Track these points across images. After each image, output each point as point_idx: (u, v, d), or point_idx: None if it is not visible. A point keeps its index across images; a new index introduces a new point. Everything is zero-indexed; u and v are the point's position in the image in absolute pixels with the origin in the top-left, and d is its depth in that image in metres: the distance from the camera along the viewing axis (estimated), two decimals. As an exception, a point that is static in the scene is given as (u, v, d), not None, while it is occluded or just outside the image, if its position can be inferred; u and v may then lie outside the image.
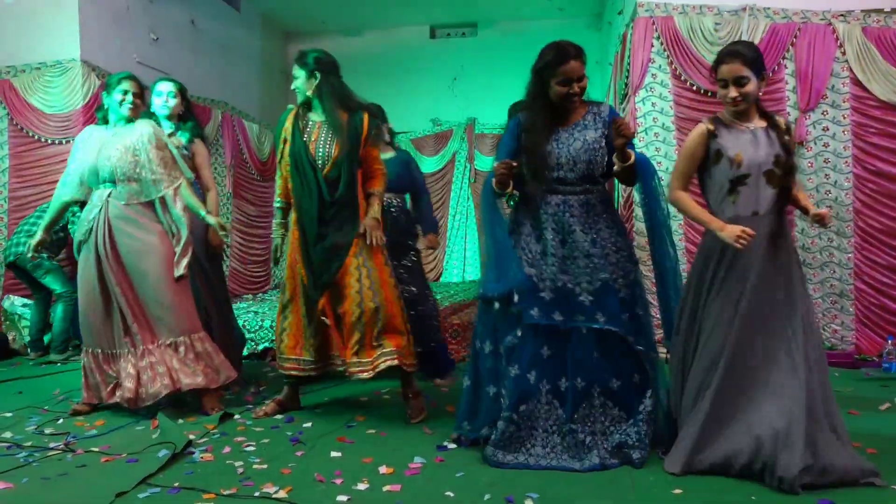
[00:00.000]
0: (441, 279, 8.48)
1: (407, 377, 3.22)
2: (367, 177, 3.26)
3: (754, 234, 2.36)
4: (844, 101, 4.82)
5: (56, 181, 5.26)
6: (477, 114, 8.70)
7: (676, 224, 4.88)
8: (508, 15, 8.59)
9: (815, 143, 4.86)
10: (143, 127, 3.35)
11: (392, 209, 3.88)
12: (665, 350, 2.99)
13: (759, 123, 2.52)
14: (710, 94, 4.83)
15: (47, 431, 3.06)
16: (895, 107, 4.74)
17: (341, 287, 3.11)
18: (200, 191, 3.79)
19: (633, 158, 2.65)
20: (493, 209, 2.78)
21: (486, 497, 2.25)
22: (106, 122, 3.43)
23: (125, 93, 3.33)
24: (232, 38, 7.82)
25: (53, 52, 5.56)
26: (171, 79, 3.89)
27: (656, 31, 4.93)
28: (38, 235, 3.49)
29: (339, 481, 2.40)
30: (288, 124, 3.25)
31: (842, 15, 4.82)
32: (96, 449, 2.79)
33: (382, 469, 2.51)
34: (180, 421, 3.18)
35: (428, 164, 8.54)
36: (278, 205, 3.37)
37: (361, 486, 2.35)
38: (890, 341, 4.48)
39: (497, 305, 2.71)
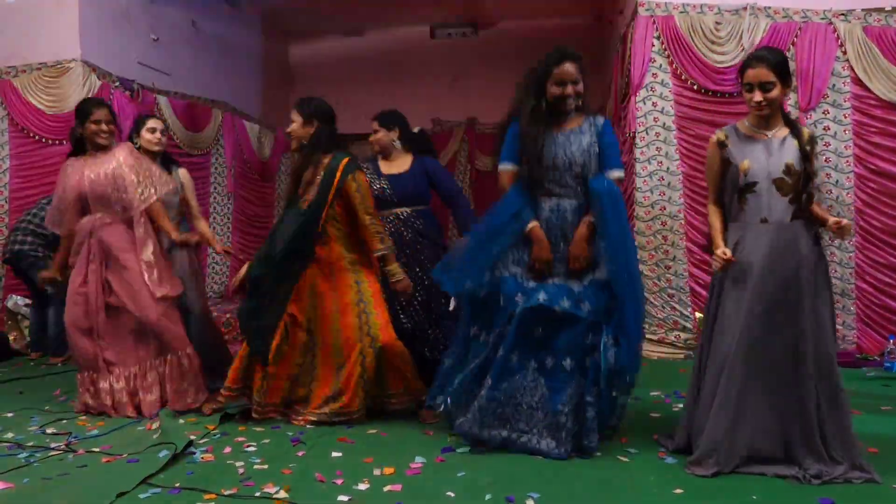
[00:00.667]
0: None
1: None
2: (361, 235, 3.19)
3: (731, 259, 2.43)
4: (845, 101, 4.82)
5: (56, 181, 5.33)
6: (477, 113, 8.69)
7: (677, 224, 4.89)
8: (509, 14, 8.58)
9: (817, 143, 4.85)
10: (120, 150, 3.41)
11: (413, 221, 3.64)
12: None
13: (780, 132, 2.53)
14: (710, 93, 4.83)
15: (49, 431, 3.07)
16: (896, 106, 4.74)
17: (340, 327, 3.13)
18: (189, 223, 3.90)
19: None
20: (508, 213, 2.81)
21: (487, 497, 2.25)
22: (81, 150, 3.46)
23: (98, 122, 3.37)
24: (232, 39, 7.82)
25: (54, 53, 5.56)
26: (155, 115, 3.95)
27: (657, 30, 4.92)
28: (52, 272, 3.56)
29: (339, 481, 2.40)
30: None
31: (842, 14, 4.82)
32: (97, 449, 2.79)
33: (383, 469, 2.51)
34: (181, 421, 3.18)
35: (428, 164, 8.53)
36: None
37: (362, 487, 2.35)
38: (891, 340, 4.48)
39: (453, 303, 2.92)
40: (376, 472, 2.49)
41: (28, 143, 5.62)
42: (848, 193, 4.82)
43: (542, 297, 2.69)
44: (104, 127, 3.37)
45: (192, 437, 2.87)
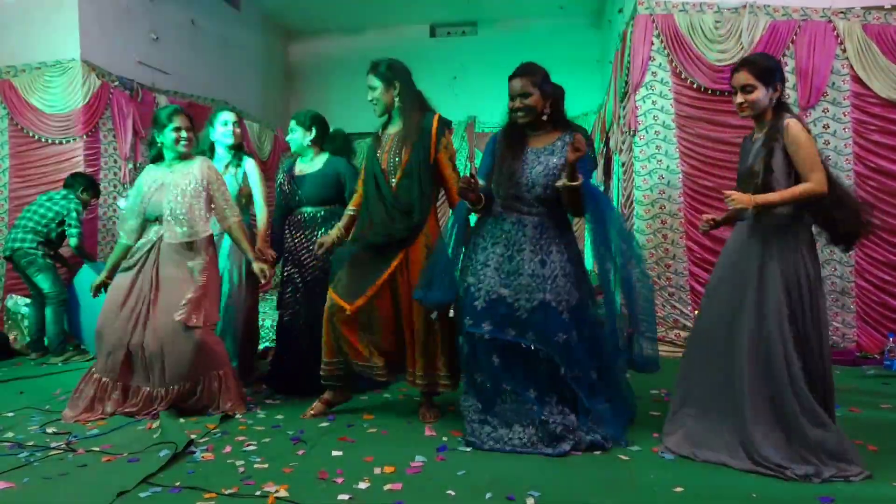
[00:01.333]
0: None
1: (437, 391, 3.21)
2: (446, 189, 3.21)
3: (707, 218, 2.71)
4: (845, 99, 4.82)
5: (57, 181, 5.35)
6: (477, 113, 8.69)
7: (677, 223, 4.89)
8: (509, 13, 8.58)
9: (816, 141, 4.85)
10: (199, 167, 3.37)
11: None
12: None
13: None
14: (710, 91, 4.83)
15: (49, 431, 3.07)
16: (896, 104, 4.74)
17: (390, 305, 3.14)
18: (250, 213, 4.00)
19: (580, 180, 2.67)
20: (456, 225, 2.96)
21: (488, 496, 2.25)
22: (160, 157, 3.42)
23: (178, 129, 3.32)
24: (232, 38, 7.82)
25: (54, 52, 5.56)
26: (230, 108, 3.98)
27: (656, 29, 4.92)
28: (102, 278, 3.44)
29: (340, 480, 2.41)
30: (371, 142, 3.28)
31: (842, 12, 4.81)
32: (97, 448, 2.79)
33: (384, 468, 2.52)
34: (181, 420, 3.19)
35: (428, 163, 8.54)
36: (349, 212, 3.36)
37: (363, 485, 2.35)
38: (891, 338, 4.47)
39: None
40: (377, 470, 2.50)
41: (28, 143, 5.62)
42: (848, 192, 4.82)
43: (485, 326, 2.77)
44: (185, 134, 3.33)
45: (193, 437, 2.87)
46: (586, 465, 2.56)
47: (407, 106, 3.13)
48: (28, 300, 5.21)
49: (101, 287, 3.45)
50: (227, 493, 2.30)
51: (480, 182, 2.84)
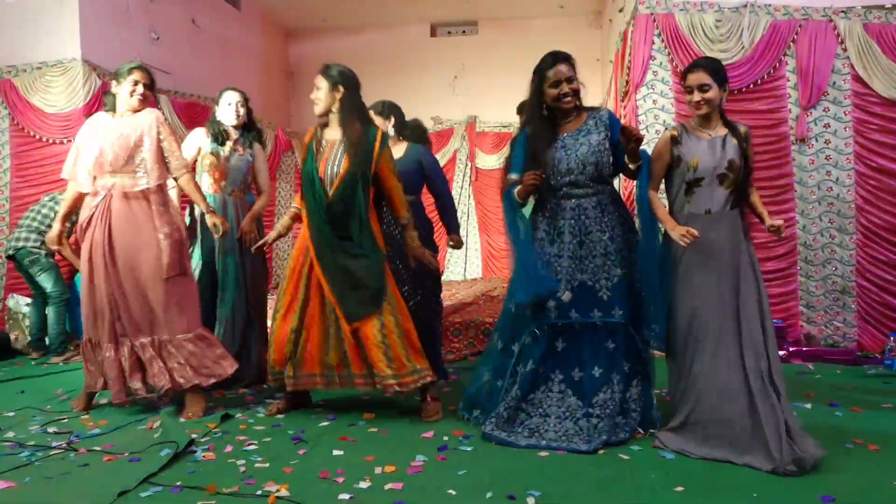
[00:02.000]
0: (443, 278, 8.48)
1: (430, 385, 3.21)
2: (388, 200, 3.27)
3: (697, 234, 2.63)
4: (846, 98, 4.82)
5: (57, 181, 5.34)
6: (478, 112, 8.69)
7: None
8: (509, 13, 8.59)
9: (817, 140, 4.86)
10: (147, 116, 3.34)
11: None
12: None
13: (721, 131, 2.78)
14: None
15: (50, 430, 3.07)
16: (896, 103, 4.74)
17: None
18: (254, 195, 4.08)
19: (643, 136, 2.82)
20: (515, 221, 2.94)
21: (489, 495, 2.25)
22: (113, 109, 3.41)
23: (135, 83, 3.31)
24: (232, 37, 7.82)
25: (54, 52, 5.57)
26: (236, 88, 4.01)
27: (657, 28, 4.92)
28: (56, 227, 3.47)
29: (341, 479, 2.41)
30: (306, 140, 3.28)
31: (843, 11, 4.81)
32: (98, 448, 2.79)
33: (384, 467, 2.52)
34: (182, 420, 3.19)
35: (429, 163, 8.54)
36: (293, 209, 3.37)
37: (363, 485, 2.35)
38: (892, 338, 4.47)
39: (529, 311, 2.93)
40: (377, 470, 2.50)
41: (28, 143, 5.63)
42: (848, 191, 4.82)
43: (573, 314, 2.84)
44: (141, 88, 3.31)
45: (194, 436, 2.87)
46: (586, 465, 2.56)
47: (347, 114, 3.16)
48: (29, 300, 5.21)
49: (58, 237, 3.52)
50: (227, 492, 2.30)
51: (515, 177, 2.91)
